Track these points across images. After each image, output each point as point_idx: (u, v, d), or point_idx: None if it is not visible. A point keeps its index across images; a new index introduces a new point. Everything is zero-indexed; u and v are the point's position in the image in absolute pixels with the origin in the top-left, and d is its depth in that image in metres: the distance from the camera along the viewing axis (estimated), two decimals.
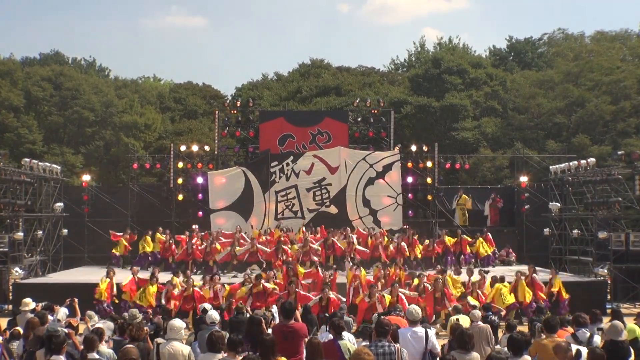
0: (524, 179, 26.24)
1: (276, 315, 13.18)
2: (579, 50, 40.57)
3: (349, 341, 8.42)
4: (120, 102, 41.50)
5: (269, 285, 15.79)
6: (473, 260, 22.53)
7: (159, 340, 8.65)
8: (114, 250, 23.08)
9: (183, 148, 26.56)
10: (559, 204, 24.27)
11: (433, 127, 38.35)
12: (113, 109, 39.90)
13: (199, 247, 21.59)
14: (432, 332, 8.59)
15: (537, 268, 23.40)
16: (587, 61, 37.91)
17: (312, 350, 6.85)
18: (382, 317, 9.18)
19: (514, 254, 24.61)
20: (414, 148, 26.24)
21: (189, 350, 8.14)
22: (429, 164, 26.02)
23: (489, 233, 23.90)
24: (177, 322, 8.42)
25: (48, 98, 39.29)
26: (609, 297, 20.09)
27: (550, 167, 25.72)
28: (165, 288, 16.33)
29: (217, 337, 7.43)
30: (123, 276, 17.91)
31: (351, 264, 18.74)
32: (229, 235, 22.35)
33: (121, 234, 23.39)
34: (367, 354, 6.27)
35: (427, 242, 22.37)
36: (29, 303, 11.24)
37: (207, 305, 11.69)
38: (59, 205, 23.71)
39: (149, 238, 23.00)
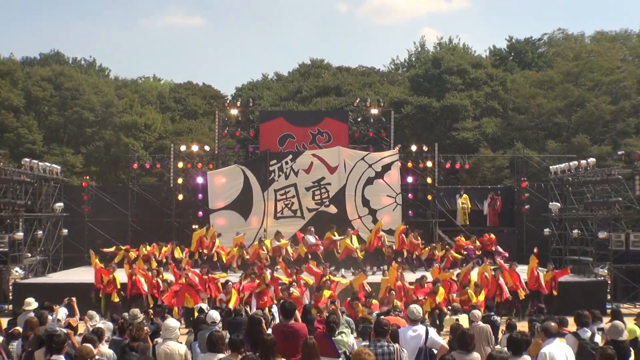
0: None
1: (276, 315, 13.19)
2: (579, 50, 40.56)
3: (349, 339, 8.45)
4: (120, 102, 41.51)
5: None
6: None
7: (158, 340, 8.66)
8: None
9: (183, 148, 26.55)
10: (559, 204, 24.29)
11: (433, 127, 38.36)
12: (113, 109, 39.90)
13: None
14: (432, 330, 8.56)
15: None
16: (587, 61, 37.92)
17: (307, 350, 6.86)
18: (381, 317, 9.19)
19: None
20: (414, 148, 26.25)
21: (185, 349, 8.14)
22: (429, 164, 26.01)
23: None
24: (172, 322, 8.43)
25: (48, 98, 39.29)
26: (609, 297, 20.09)
27: (550, 167, 25.72)
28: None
29: (217, 337, 7.45)
30: None
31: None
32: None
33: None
34: (367, 354, 6.28)
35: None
36: (31, 303, 11.21)
37: (204, 306, 11.68)
38: (59, 205, 23.71)
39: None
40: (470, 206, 26.28)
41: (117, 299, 16.93)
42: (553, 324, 8.00)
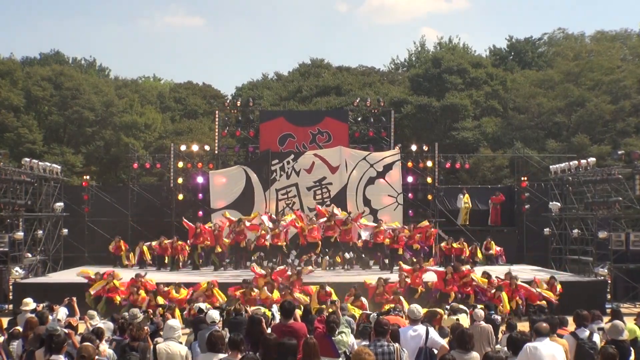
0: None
1: (276, 315, 13.18)
2: (579, 50, 40.56)
3: (349, 339, 8.45)
4: (120, 102, 41.47)
5: None
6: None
7: (158, 340, 8.66)
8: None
9: (183, 148, 26.56)
10: (559, 204, 24.28)
11: (433, 127, 38.34)
12: (113, 108, 39.86)
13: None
14: (432, 330, 8.55)
15: (537, 268, 23.49)
16: (587, 61, 37.91)
17: (308, 350, 6.86)
18: (381, 316, 9.20)
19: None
20: (414, 148, 26.26)
21: (186, 351, 8.12)
22: (429, 163, 26.02)
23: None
24: (174, 322, 8.43)
25: (48, 98, 39.24)
26: (609, 297, 20.07)
27: (550, 166, 25.70)
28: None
29: (217, 337, 7.44)
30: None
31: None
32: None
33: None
34: (367, 353, 6.28)
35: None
36: (30, 303, 11.23)
37: (202, 305, 11.68)
38: (59, 205, 23.70)
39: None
40: (470, 206, 26.27)
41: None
42: (544, 324, 7.96)
